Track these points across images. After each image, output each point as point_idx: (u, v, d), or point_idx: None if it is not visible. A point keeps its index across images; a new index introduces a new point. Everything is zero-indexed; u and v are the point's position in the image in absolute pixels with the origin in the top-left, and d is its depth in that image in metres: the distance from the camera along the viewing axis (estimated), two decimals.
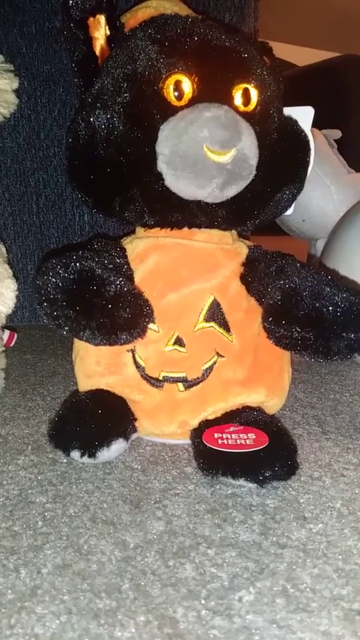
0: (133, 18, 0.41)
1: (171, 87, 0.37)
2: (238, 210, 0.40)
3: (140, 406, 0.42)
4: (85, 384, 0.43)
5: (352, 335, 0.35)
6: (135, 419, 0.42)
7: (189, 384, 0.40)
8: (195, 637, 0.25)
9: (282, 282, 0.37)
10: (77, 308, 0.36)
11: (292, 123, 0.42)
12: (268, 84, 0.40)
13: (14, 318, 0.63)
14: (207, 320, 0.40)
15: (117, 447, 0.39)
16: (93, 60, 0.41)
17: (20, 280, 0.52)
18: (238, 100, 0.38)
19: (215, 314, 0.40)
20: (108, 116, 0.38)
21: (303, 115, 0.43)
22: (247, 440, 0.37)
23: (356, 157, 0.92)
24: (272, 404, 0.42)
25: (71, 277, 0.36)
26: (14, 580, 0.28)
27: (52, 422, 0.42)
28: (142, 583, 0.28)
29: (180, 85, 0.37)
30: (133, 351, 0.41)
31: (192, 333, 0.40)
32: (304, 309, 0.36)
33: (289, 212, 0.44)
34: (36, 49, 0.61)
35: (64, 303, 0.35)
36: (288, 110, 0.42)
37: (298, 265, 0.39)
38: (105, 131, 0.38)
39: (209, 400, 0.41)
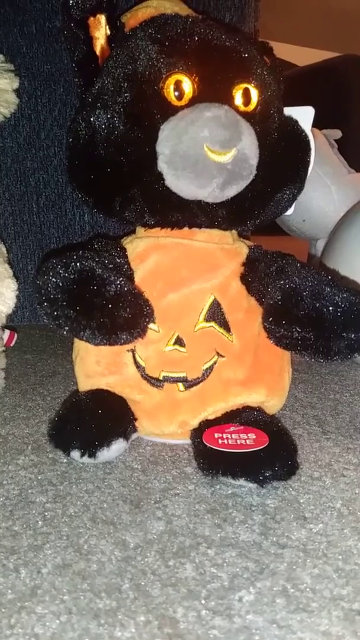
0: (133, 18, 0.41)
1: (171, 87, 0.37)
2: (238, 210, 0.40)
3: (141, 406, 0.42)
4: (85, 384, 0.43)
5: (353, 335, 0.35)
6: (136, 419, 0.42)
7: (189, 383, 0.40)
8: (195, 637, 0.25)
9: (282, 282, 0.37)
10: (78, 308, 0.36)
11: (293, 123, 0.42)
12: (268, 84, 0.40)
13: (14, 318, 0.63)
14: (207, 320, 0.40)
15: (117, 447, 0.39)
16: (93, 60, 0.41)
17: (20, 280, 0.52)
18: (238, 100, 0.38)
19: (216, 314, 0.40)
20: (108, 116, 0.38)
21: (303, 115, 0.43)
22: (247, 440, 0.37)
23: (356, 157, 0.92)
24: (272, 404, 0.42)
25: (71, 277, 0.36)
26: (14, 580, 0.28)
27: (52, 422, 0.42)
28: (142, 583, 0.28)
29: (181, 85, 0.37)
30: (133, 351, 0.41)
31: (192, 333, 0.40)
32: (304, 309, 0.36)
33: (290, 212, 0.44)
34: (36, 48, 0.61)
35: (64, 303, 0.35)
36: (288, 110, 0.42)
37: (298, 265, 0.39)
38: (105, 131, 0.38)
39: (209, 400, 0.41)
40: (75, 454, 0.38)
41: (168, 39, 0.37)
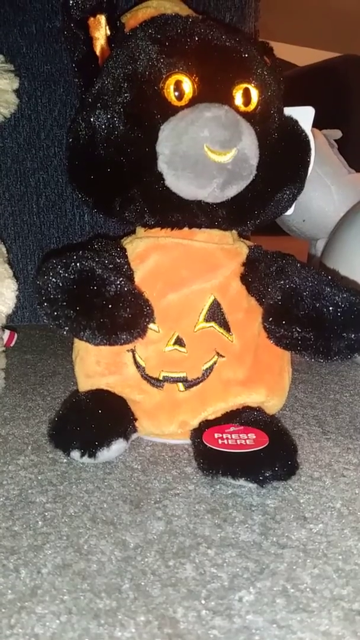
0: (133, 18, 0.41)
1: (171, 87, 0.37)
2: (238, 210, 0.40)
3: (141, 406, 0.42)
4: (85, 384, 0.43)
5: (353, 335, 0.35)
6: (136, 419, 0.42)
7: (189, 384, 0.40)
8: (195, 637, 0.25)
9: (282, 282, 0.37)
10: (78, 308, 0.36)
11: (293, 123, 0.42)
12: (268, 84, 0.40)
13: (14, 318, 0.63)
14: (207, 320, 0.40)
15: (117, 447, 0.39)
16: (93, 60, 0.41)
17: (20, 280, 0.52)
18: (238, 100, 0.38)
19: (216, 314, 0.40)
20: (108, 116, 0.38)
21: (303, 115, 0.43)
22: (247, 440, 0.37)
23: (356, 157, 0.92)
24: (272, 404, 0.42)
25: (71, 277, 0.36)
26: (14, 580, 0.28)
27: (52, 422, 0.42)
28: (142, 583, 0.28)
29: (181, 85, 0.37)
30: (133, 351, 0.41)
31: (192, 333, 0.40)
32: (304, 309, 0.36)
33: (290, 212, 0.44)
34: (36, 49, 0.61)
35: (64, 303, 0.36)
36: (288, 110, 0.42)
37: (298, 265, 0.39)
38: (105, 131, 0.38)
39: (209, 400, 0.41)
40: (75, 454, 0.38)
41: (168, 39, 0.37)
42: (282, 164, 0.40)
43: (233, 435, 0.38)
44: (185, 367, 0.40)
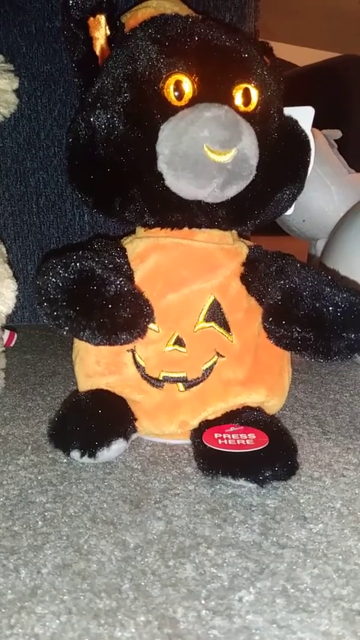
0: (133, 18, 0.41)
1: (171, 87, 0.37)
2: (238, 210, 0.40)
3: (141, 406, 0.42)
4: (85, 384, 0.43)
5: (352, 335, 0.35)
6: (136, 419, 0.42)
7: (189, 384, 0.40)
8: (195, 637, 0.25)
9: (282, 282, 0.37)
10: (77, 308, 0.36)
11: (293, 123, 0.42)
12: (268, 84, 0.40)
13: (14, 318, 0.63)
14: (207, 320, 0.40)
15: (117, 447, 0.39)
16: (93, 60, 0.41)
17: (20, 280, 0.52)
18: (238, 100, 0.38)
19: (216, 314, 0.40)
20: (108, 116, 0.38)
21: (303, 115, 0.43)
22: (247, 440, 0.37)
23: (356, 157, 0.92)
24: (272, 404, 0.42)
25: (71, 277, 0.36)
26: (14, 580, 0.28)
27: (52, 422, 0.42)
28: (142, 583, 0.28)
29: (181, 85, 0.37)
30: (133, 351, 0.41)
31: (192, 333, 0.40)
32: (304, 309, 0.36)
33: (289, 212, 0.44)
34: (36, 48, 0.61)
35: (64, 303, 0.36)
36: (288, 110, 0.42)
37: (298, 265, 0.39)
38: (105, 131, 0.38)
39: (209, 400, 0.41)
40: (75, 454, 0.38)
41: (168, 39, 0.37)
42: (282, 164, 0.40)
43: (233, 435, 0.38)
44: (185, 367, 0.40)
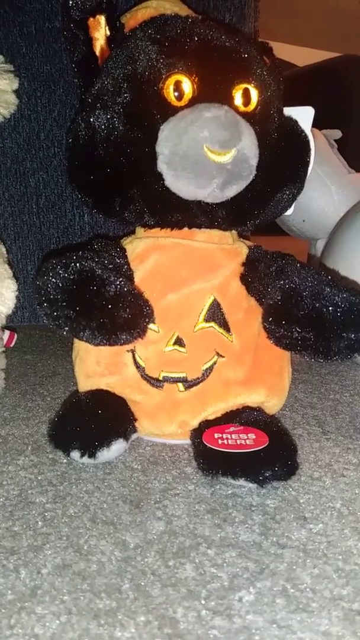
0: (133, 18, 0.41)
1: (171, 88, 0.37)
2: (238, 210, 0.40)
3: (141, 406, 0.42)
4: (85, 384, 0.43)
5: (352, 335, 0.35)
6: (136, 419, 0.42)
7: (189, 384, 0.40)
8: (195, 637, 0.25)
9: (282, 282, 0.37)
10: (77, 308, 0.36)
11: (292, 123, 0.42)
12: (268, 84, 0.40)
13: (14, 318, 0.63)
14: (207, 320, 0.40)
15: (117, 447, 0.39)
16: (93, 60, 0.41)
17: (20, 280, 0.52)
18: (238, 100, 0.38)
19: (216, 314, 0.40)
20: (108, 116, 0.38)
21: (303, 116, 0.43)
22: (247, 440, 0.37)
23: (356, 157, 0.92)
24: (272, 404, 0.42)
25: (71, 277, 0.36)
26: (14, 580, 0.28)
27: (52, 423, 0.42)
28: (142, 583, 0.28)
29: (181, 85, 0.37)
30: (133, 351, 0.41)
31: (192, 333, 0.40)
32: (304, 309, 0.36)
33: (289, 212, 0.44)
34: (36, 49, 0.61)
35: (64, 303, 0.36)
36: (288, 111, 0.42)
37: (298, 265, 0.39)
38: (105, 131, 0.38)
39: (209, 400, 0.41)
40: (75, 454, 0.38)
41: (168, 40, 0.37)
42: (281, 164, 0.40)
43: (233, 436, 0.38)
44: (185, 367, 0.40)
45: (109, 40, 0.40)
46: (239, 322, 0.41)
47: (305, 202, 0.81)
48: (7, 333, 0.62)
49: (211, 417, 0.41)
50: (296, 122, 0.42)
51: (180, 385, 0.40)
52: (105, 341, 0.36)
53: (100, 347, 0.39)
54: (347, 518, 0.34)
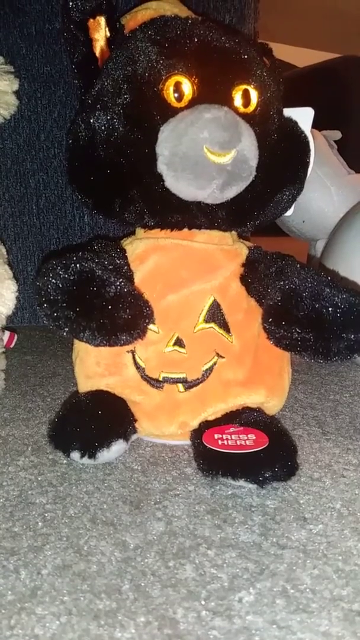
0: (133, 20, 0.41)
1: (171, 89, 0.37)
2: (238, 211, 0.40)
3: (140, 407, 0.42)
4: (85, 385, 0.43)
5: (352, 336, 0.35)
6: (135, 420, 0.42)
7: (189, 384, 0.40)
8: (195, 637, 0.25)
9: (282, 283, 0.37)
10: (77, 309, 0.36)
11: (292, 124, 0.42)
12: (268, 85, 0.40)
13: (14, 319, 0.63)
14: (207, 321, 0.40)
15: (117, 448, 0.39)
16: (93, 61, 0.41)
17: (20, 281, 0.52)
18: (238, 101, 0.38)
19: (215, 315, 0.40)
20: (108, 117, 0.38)
21: (303, 116, 0.43)
22: (247, 441, 0.37)
23: (356, 157, 0.92)
24: (272, 404, 0.42)
25: (71, 278, 0.36)
26: (14, 581, 0.28)
27: (52, 423, 0.42)
28: (142, 584, 0.28)
29: (180, 86, 0.37)
30: (133, 352, 0.41)
31: (192, 334, 0.40)
32: (303, 309, 0.36)
33: (289, 213, 0.44)
34: (36, 50, 0.61)
35: (64, 304, 0.36)
36: (288, 111, 0.43)
37: (298, 266, 0.39)
38: (105, 132, 0.38)
39: (209, 401, 0.41)
40: (75, 455, 0.38)
41: (168, 41, 0.37)
42: (281, 165, 0.40)
43: (233, 436, 0.38)
44: (185, 367, 0.40)
45: (109, 41, 0.40)
46: (238, 322, 0.41)
47: (305, 203, 0.81)
48: (7, 334, 0.62)
49: (211, 418, 0.41)
50: (296, 123, 0.42)
51: (180, 385, 0.40)
52: (105, 342, 0.37)
53: (100, 348, 0.39)
54: (347, 519, 0.34)
